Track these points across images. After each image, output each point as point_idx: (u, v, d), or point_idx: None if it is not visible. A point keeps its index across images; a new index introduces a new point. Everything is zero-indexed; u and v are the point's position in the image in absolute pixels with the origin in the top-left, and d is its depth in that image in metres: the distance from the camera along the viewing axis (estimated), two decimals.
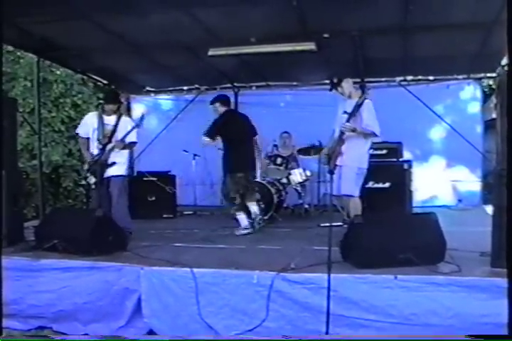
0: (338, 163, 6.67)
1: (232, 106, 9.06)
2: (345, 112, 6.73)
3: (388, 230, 5.26)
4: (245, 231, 7.86)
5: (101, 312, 5.45)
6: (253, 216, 8.09)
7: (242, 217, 8.00)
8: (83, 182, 7.54)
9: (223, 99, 8.25)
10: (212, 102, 8.21)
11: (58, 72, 13.50)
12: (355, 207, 6.85)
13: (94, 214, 6.29)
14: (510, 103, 4.39)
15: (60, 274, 5.63)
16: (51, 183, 13.46)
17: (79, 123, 7.68)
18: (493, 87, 11.84)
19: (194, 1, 6.85)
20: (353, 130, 6.63)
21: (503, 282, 4.49)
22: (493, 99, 11.60)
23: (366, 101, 6.62)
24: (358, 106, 6.58)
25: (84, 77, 12.78)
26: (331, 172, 5.44)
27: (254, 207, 8.15)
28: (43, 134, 10.43)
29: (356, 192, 6.86)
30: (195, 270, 5.18)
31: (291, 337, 4.89)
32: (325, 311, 4.57)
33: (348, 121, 6.60)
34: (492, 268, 4.97)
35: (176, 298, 5.22)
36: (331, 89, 7.15)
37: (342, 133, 6.67)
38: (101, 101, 7.41)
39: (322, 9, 7.05)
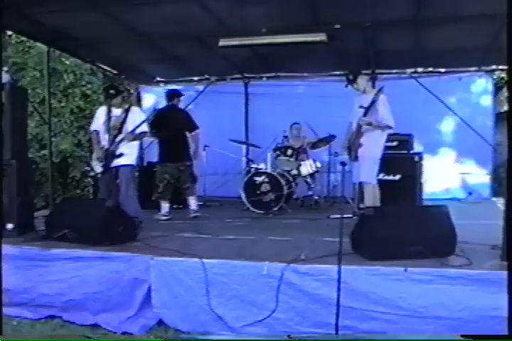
0: (359, 154, 7.09)
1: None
2: (361, 106, 7.08)
3: (399, 222, 5.24)
4: (164, 218, 8.43)
5: (111, 302, 5.46)
6: (192, 208, 8.65)
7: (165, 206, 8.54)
8: (91, 173, 7.56)
9: (165, 95, 8.94)
10: None
11: (68, 62, 13.47)
12: (374, 194, 7.13)
13: (105, 204, 6.29)
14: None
15: (70, 264, 5.64)
16: (60, 173, 13.47)
17: (88, 114, 7.74)
18: (505, 79, 11.76)
19: None
20: (369, 124, 6.95)
21: None
22: (504, 92, 11.56)
23: (381, 96, 6.93)
24: (374, 101, 6.91)
25: (94, 67, 12.79)
26: (344, 164, 5.48)
27: (192, 202, 8.64)
28: (52, 124, 10.44)
29: (374, 180, 7.13)
30: (205, 260, 5.18)
31: (299, 336, 4.91)
32: (335, 303, 4.56)
33: (364, 115, 6.97)
34: (502, 262, 4.93)
35: (186, 289, 5.22)
36: (347, 85, 7.36)
37: (360, 126, 7.04)
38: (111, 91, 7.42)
39: (334, 0, 7.04)
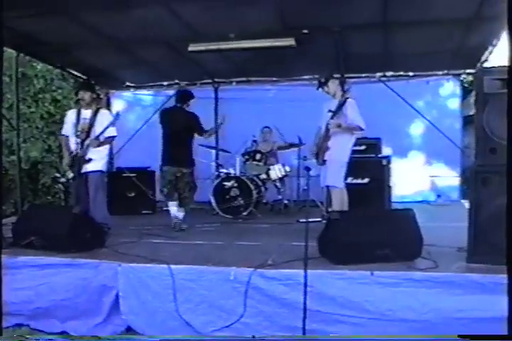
0: (326, 157, 7.08)
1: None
2: (330, 111, 7.08)
3: (366, 226, 5.27)
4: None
5: (79, 309, 5.43)
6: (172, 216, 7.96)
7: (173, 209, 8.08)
8: (62, 179, 7.48)
9: (176, 96, 8.40)
10: None
11: (39, 67, 13.38)
12: (342, 198, 7.12)
13: (72, 210, 6.27)
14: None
15: (37, 271, 5.60)
16: (30, 179, 13.35)
17: (59, 119, 7.64)
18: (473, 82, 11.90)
19: None
20: (339, 125, 6.93)
21: (479, 277, 4.60)
22: (473, 95, 11.69)
23: (349, 100, 6.94)
24: (341, 105, 6.93)
25: (65, 73, 12.69)
26: (308, 169, 5.46)
27: (173, 208, 8.01)
28: (21, 130, 10.35)
29: (341, 184, 7.11)
30: (172, 266, 5.17)
31: (264, 337, 4.92)
32: (302, 307, 4.58)
33: (332, 118, 6.96)
34: (468, 264, 5.00)
35: (154, 295, 5.21)
36: (318, 88, 7.40)
37: (328, 129, 7.03)
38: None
39: (301, 5, 7.09)
